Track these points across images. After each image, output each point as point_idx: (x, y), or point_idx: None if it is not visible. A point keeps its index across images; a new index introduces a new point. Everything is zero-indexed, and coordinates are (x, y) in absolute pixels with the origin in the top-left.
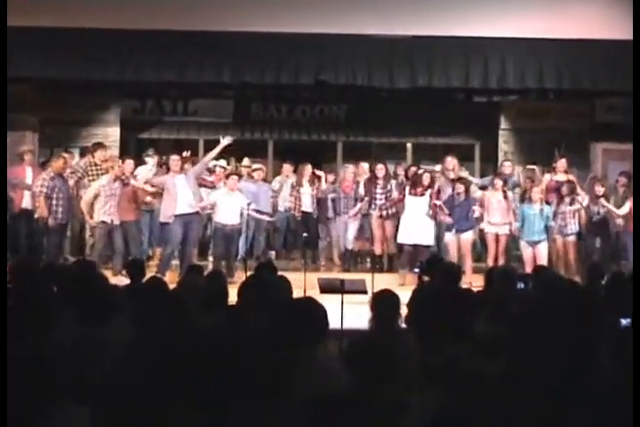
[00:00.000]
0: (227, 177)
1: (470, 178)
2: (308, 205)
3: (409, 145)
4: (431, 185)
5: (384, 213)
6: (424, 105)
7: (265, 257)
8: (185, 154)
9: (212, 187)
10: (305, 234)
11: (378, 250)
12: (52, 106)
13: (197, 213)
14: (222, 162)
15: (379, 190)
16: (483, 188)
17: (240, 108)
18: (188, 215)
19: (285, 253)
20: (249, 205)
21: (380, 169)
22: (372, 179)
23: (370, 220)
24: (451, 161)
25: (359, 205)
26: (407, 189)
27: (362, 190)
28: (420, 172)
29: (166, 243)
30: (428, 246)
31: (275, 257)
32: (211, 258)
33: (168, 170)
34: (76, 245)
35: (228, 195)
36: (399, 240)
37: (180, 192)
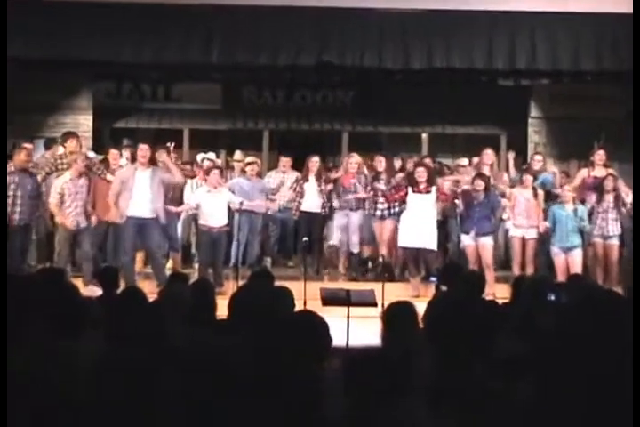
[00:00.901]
0: (207, 172)
1: (512, 172)
2: (311, 203)
3: (424, 136)
4: (430, 181)
5: (385, 212)
6: (442, 89)
7: (260, 264)
8: (169, 146)
9: (193, 176)
10: (305, 238)
11: (386, 255)
12: (14, 90)
13: (155, 219)
14: (211, 155)
15: (381, 186)
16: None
17: (230, 93)
18: (141, 220)
19: (283, 259)
20: (241, 204)
21: (379, 162)
22: (374, 173)
23: (371, 220)
24: (490, 155)
25: (358, 197)
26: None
27: (360, 185)
28: (419, 168)
29: (120, 248)
30: (432, 251)
31: (271, 264)
32: (196, 265)
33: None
34: (44, 250)
35: (211, 193)
36: (400, 243)
37: (137, 191)
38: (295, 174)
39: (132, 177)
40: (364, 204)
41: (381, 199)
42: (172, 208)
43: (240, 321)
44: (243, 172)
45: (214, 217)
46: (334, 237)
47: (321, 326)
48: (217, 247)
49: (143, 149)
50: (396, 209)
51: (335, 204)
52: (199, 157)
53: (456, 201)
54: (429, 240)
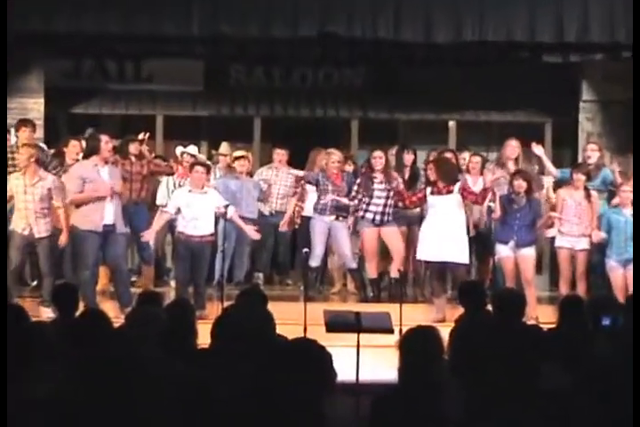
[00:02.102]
0: (190, 168)
1: (553, 170)
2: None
3: (451, 124)
4: (449, 178)
5: (380, 216)
6: (473, 67)
7: (250, 281)
8: (142, 136)
9: (170, 174)
10: (306, 250)
11: (392, 272)
12: None
13: (113, 225)
14: (192, 148)
15: (376, 187)
16: (557, 184)
17: (214, 71)
18: (104, 227)
19: (278, 275)
20: (226, 207)
21: (378, 158)
22: (367, 172)
23: (362, 228)
24: (514, 147)
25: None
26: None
27: (358, 187)
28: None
29: (79, 261)
30: (463, 265)
31: (263, 281)
32: (172, 283)
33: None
34: None
35: (194, 195)
36: (420, 256)
37: (100, 193)
38: (292, 171)
39: (92, 176)
40: (347, 208)
41: (377, 203)
42: (146, 233)
43: (225, 351)
44: (229, 168)
45: (197, 224)
46: (315, 253)
47: (322, 358)
48: (198, 261)
49: (105, 141)
50: (388, 213)
51: (321, 205)
52: (178, 150)
53: (490, 204)
54: (458, 252)
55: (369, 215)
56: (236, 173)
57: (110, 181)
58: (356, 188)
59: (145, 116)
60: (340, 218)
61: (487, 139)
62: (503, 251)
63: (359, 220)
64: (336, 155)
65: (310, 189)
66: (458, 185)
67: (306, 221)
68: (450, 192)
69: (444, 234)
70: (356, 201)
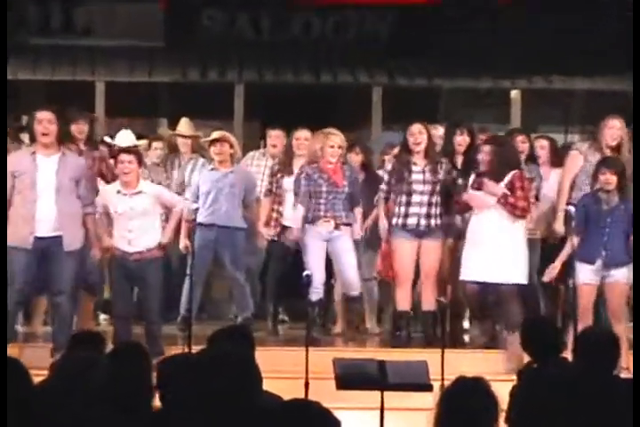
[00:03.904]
0: (114, 158)
1: None
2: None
3: (514, 93)
4: (500, 170)
5: (432, 223)
6: (544, 15)
7: (232, 316)
8: (81, 124)
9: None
10: (307, 272)
11: (425, 304)
12: None
13: (58, 237)
14: (124, 135)
15: (415, 178)
16: None
17: (178, 18)
18: (42, 241)
19: (271, 309)
20: (196, 211)
21: (418, 134)
22: (403, 156)
23: (396, 239)
24: (616, 130)
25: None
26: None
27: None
28: (486, 147)
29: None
30: (521, 286)
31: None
32: (103, 316)
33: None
34: None
35: (121, 196)
36: (465, 276)
37: (42, 189)
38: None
39: (29, 168)
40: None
41: (416, 202)
42: (94, 250)
43: (190, 413)
44: (192, 153)
45: (130, 237)
46: (313, 284)
47: (326, 425)
48: (142, 288)
49: (43, 119)
50: (436, 217)
51: (313, 211)
52: (107, 138)
53: (569, 208)
54: (515, 268)
55: (411, 220)
56: (212, 163)
57: (59, 175)
58: (386, 177)
59: (80, 84)
60: (342, 227)
61: (565, 115)
62: (584, 274)
63: (394, 229)
64: (336, 136)
65: (290, 186)
66: (507, 178)
67: (287, 232)
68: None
69: (495, 245)
70: (382, 195)
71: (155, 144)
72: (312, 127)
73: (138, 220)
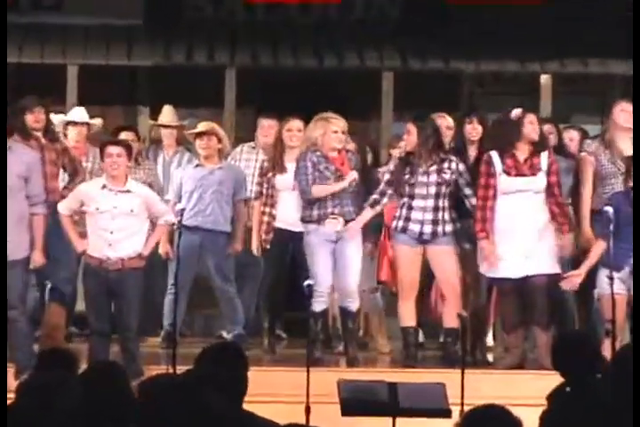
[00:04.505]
0: (101, 151)
1: None
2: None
3: (544, 79)
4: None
5: (439, 229)
6: None
7: (229, 332)
8: (37, 112)
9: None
10: (309, 282)
11: (447, 319)
12: None
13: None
14: (77, 112)
15: (420, 179)
16: None
17: None
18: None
19: (267, 324)
20: (182, 212)
21: (423, 128)
22: (404, 154)
23: (397, 246)
24: (629, 113)
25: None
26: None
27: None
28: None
29: None
30: (553, 276)
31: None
32: (74, 330)
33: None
34: None
35: (107, 193)
36: (498, 274)
37: (11, 190)
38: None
39: None
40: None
41: (418, 205)
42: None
43: None
44: (188, 151)
45: (113, 241)
46: (319, 289)
47: None
48: (121, 301)
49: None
50: (444, 222)
51: (309, 214)
52: (56, 119)
53: (606, 208)
54: (548, 261)
55: (413, 226)
56: (198, 158)
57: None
58: (387, 176)
59: (50, 67)
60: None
61: (600, 103)
62: (605, 281)
63: (395, 233)
64: (339, 120)
65: (284, 185)
66: (545, 159)
67: (280, 236)
68: (534, 174)
69: (529, 236)
70: (385, 199)
71: (124, 135)
72: (311, 117)
73: (121, 220)
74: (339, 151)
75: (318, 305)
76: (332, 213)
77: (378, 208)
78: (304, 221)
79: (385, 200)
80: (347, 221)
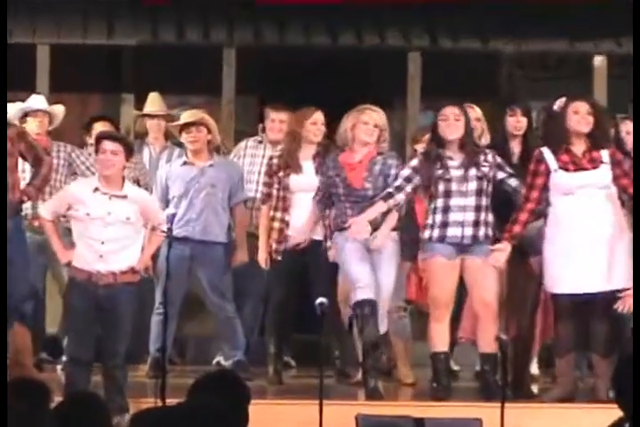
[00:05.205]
0: (96, 147)
1: None
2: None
3: (598, 60)
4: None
5: (480, 235)
6: None
7: (227, 358)
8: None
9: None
10: (322, 300)
11: (483, 344)
12: None
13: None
14: (36, 100)
15: (455, 174)
16: None
17: None
18: None
19: (272, 349)
20: (172, 218)
21: (454, 119)
22: (433, 148)
23: (428, 257)
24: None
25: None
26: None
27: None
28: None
29: None
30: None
31: (245, 358)
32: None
33: None
34: None
35: (100, 197)
36: (557, 289)
37: None
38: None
39: None
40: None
41: (457, 208)
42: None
43: None
44: (178, 146)
45: (105, 252)
46: (364, 280)
47: None
48: (109, 321)
49: None
50: (485, 225)
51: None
52: (12, 109)
53: None
54: (620, 275)
55: (453, 230)
56: (187, 154)
57: None
58: (408, 172)
59: (16, 47)
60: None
61: None
62: None
63: (428, 244)
64: (375, 112)
65: (299, 186)
66: (606, 152)
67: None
68: (595, 167)
69: (597, 243)
70: (402, 195)
71: (97, 126)
72: (327, 106)
73: (115, 229)
74: (374, 148)
75: (361, 293)
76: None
77: (391, 203)
78: (329, 229)
79: (401, 196)
80: (375, 229)
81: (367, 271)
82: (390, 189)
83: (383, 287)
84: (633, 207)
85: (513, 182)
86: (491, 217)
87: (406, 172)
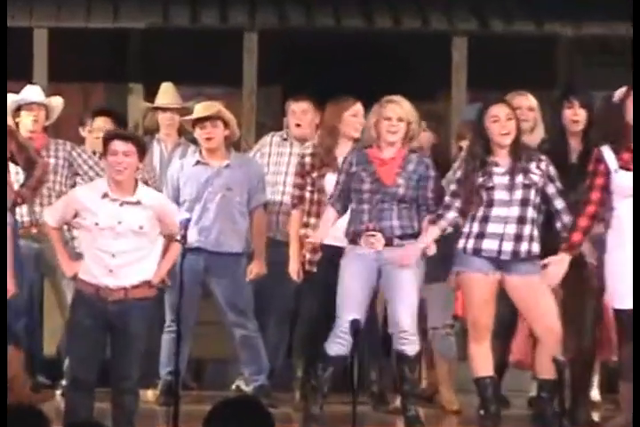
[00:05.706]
0: (104, 147)
1: None
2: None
3: None
4: None
5: (524, 248)
6: None
7: (248, 382)
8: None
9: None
10: (355, 316)
11: (542, 369)
12: None
13: None
14: (31, 92)
15: (499, 181)
16: None
17: None
18: None
19: (300, 372)
20: (187, 223)
21: (505, 119)
22: (477, 151)
23: (464, 272)
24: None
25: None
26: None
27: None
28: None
29: None
30: None
31: (268, 383)
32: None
33: None
34: None
35: (109, 204)
36: (621, 304)
37: None
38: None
39: None
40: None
41: (502, 210)
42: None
43: None
44: (193, 143)
45: (116, 266)
46: (340, 326)
47: None
48: (119, 341)
49: None
50: (531, 239)
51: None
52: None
53: None
54: None
55: (489, 243)
56: (204, 152)
57: None
58: (453, 187)
59: (13, 31)
60: (396, 244)
61: None
62: None
63: (461, 257)
64: (397, 105)
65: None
66: None
67: (328, 255)
68: None
69: None
70: (453, 213)
71: (98, 122)
72: (358, 98)
73: (127, 240)
74: (402, 147)
75: (333, 347)
76: (367, 229)
77: (444, 224)
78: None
79: (452, 214)
80: (387, 239)
81: (356, 307)
82: (440, 211)
83: (405, 303)
84: (633, 207)
85: (559, 204)
86: (536, 232)
87: (452, 187)
